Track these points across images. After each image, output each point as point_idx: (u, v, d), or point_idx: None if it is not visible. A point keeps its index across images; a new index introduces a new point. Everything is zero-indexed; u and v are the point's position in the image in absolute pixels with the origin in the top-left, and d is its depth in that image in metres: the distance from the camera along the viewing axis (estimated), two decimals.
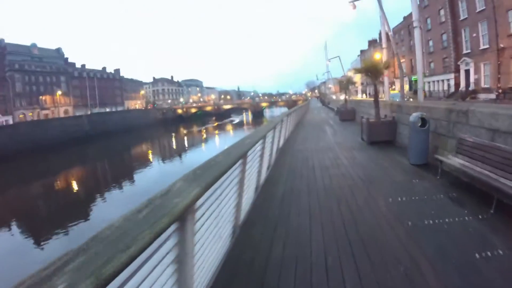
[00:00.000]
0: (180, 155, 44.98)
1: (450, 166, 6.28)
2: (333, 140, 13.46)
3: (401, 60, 59.56)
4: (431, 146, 7.76)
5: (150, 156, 48.17)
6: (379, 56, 63.74)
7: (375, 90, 11.78)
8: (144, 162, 41.53)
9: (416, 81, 50.47)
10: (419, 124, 7.60)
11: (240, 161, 3.78)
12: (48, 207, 24.35)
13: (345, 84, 28.25)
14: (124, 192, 26.22)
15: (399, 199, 5.44)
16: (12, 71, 68.35)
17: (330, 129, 17.78)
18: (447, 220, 4.40)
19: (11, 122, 63.73)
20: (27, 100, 71.01)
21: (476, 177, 5.17)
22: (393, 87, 63.09)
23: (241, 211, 4.50)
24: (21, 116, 68.52)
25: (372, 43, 79.45)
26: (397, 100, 19.30)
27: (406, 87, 61.35)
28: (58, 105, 76.15)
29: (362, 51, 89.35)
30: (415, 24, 11.22)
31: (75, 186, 31.90)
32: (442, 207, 4.92)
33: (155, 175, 31.17)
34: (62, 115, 75.11)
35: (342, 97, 67.29)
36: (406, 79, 57.30)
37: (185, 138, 66.00)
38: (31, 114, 70.67)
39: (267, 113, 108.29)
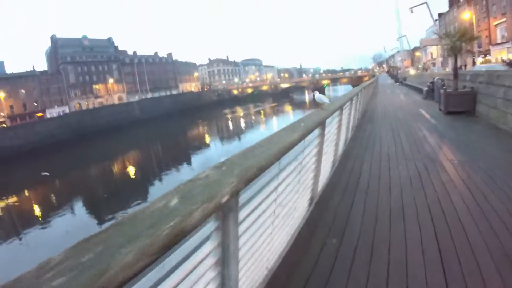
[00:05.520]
0: (232, 137, 41.24)
1: None
2: None
3: (500, 21, 43.61)
4: None
5: (204, 138, 45.31)
6: (469, 15, 49.10)
7: None
8: (197, 144, 39.33)
9: None
10: None
11: None
12: (104, 190, 23.97)
13: (455, 42, 11.91)
14: (181, 172, 25.07)
15: None
16: (65, 64, 67.64)
17: (460, 153, 6.29)
18: None
19: (67, 111, 63.50)
20: (81, 90, 70.26)
21: None
22: (488, 57, 47.24)
23: None
24: (77, 105, 68.10)
25: (456, 2, 61.10)
26: None
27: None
28: (111, 92, 74.60)
29: (441, 14, 68.57)
30: None
31: (127, 169, 31.49)
32: None
33: (211, 156, 29.75)
34: (116, 102, 73.58)
35: (413, 71, 52.08)
36: (503, 46, 41.45)
37: (241, 119, 60.61)
38: (86, 103, 69.89)
39: (331, 92, 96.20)
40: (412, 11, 42.63)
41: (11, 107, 58.82)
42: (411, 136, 8.07)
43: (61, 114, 60.96)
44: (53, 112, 62.52)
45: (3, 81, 58.16)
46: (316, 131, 3.40)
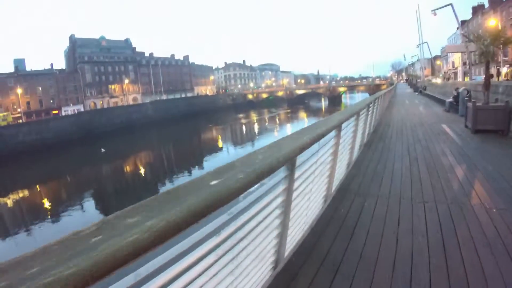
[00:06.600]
0: (245, 143, 39.89)
1: None
2: None
3: None
4: None
5: (216, 142, 44.03)
6: (494, 22, 46.24)
7: None
8: (209, 148, 38.67)
9: None
10: None
11: None
12: (113, 187, 25.07)
13: (488, 46, 10.29)
14: (192, 175, 24.51)
15: None
16: (82, 63, 68.43)
17: None
18: None
19: (82, 110, 64.29)
20: (97, 89, 70.95)
21: None
22: None
23: None
24: (91, 104, 68.77)
25: (479, 9, 58.40)
26: None
27: None
28: (127, 93, 75.00)
29: (463, 22, 62.97)
30: None
31: (138, 169, 31.65)
32: None
33: (222, 160, 27.84)
34: (131, 102, 73.98)
35: (438, 80, 49.02)
36: None
37: (255, 125, 59.18)
38: (101, 102, 70.51)
39: (348, 99, 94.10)
40: (435, 14, 40.50)
41: (28, 103, 59.86)
42: (432, 163, 6.26)
43: (76, 112, 61.73)
44: (68, 110, 63.29)
45: (22, 77, 59.34)
46: (282, 171, 2.38)
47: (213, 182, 1.39)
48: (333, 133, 3.84)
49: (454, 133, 9.46)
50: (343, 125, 4.30)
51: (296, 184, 2.63)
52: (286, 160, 2.05)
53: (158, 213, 1.07)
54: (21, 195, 24.72)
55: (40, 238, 14.97)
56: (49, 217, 18.64)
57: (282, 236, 2.63)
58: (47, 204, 22.01)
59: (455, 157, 6.65)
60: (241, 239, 1.94)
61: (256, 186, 1.70)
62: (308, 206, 3.30)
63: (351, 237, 3.46)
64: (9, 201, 23.36)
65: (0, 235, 16.31)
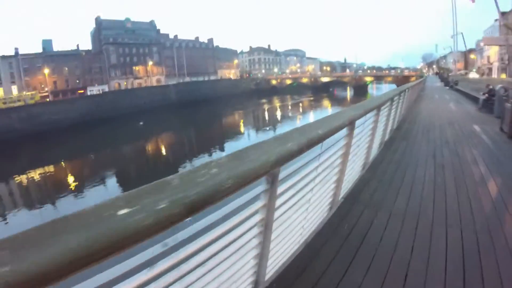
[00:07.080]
0: (267, 129, 38.75)
1: None
2: None
3: None
4: None
5: (238, 128, 43.23)
6: None
7: None
8: (230, 134, 37.50)
9: None
10: None
11: None
12: (139, 165, 25.94)
13: None
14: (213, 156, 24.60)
15: None
16: (107, 44, 69.07)
17: None
18: None
19: (107, 90, 65.28)
20: (122, 70, 71.66)
21: None
22: None
23: None
24: (116, 85, 69.54)
25: None
26: None
27: None
28: (150, 74, 75.34)
29: (504, 14, 58.94)
30: None
31: (157, 152, 32.13)
32: None
33: (241, 143, 27.67)
34: (154, 83, 74.32)
35: (475, 75, 45.43)
36: None
37: (277, 111, 58.11)
38: (125, 83, 71.12)
39: (374, 90, 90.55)
40: (473, 1, 37.76)
41: (55, 82, 61.41)
42: (461, 173, 5.30)
43: (101, 91, 62.61)
44: (93, 90, 64.32)
45: (49, 58, 60.62)
46: (261, 184, 1.96)
47: (122, 212, 0.93)
48: (344, 132, 3.34)
49: (487, 136, 8.27)
50: (358, 122, 3.72)
51: (280, 201, 2.18)
52: (252, 177, 1.47)
53: (18, 255, 0.69)
54: (49, 170, 25.83)
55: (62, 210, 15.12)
56: (72, 190, 19.52)
57: (262, 258, 2.21)
58: (71, 179, 22.85)
59: (488, 166, 5.61)
60: (196, 267, 1.56)
61: (227, 199, 1.33)
62: (306, 217, 2.82)
63: (351, 262, 2.86)
64: (36, 175, 24.31)
65: (27, 207, 17.35)
